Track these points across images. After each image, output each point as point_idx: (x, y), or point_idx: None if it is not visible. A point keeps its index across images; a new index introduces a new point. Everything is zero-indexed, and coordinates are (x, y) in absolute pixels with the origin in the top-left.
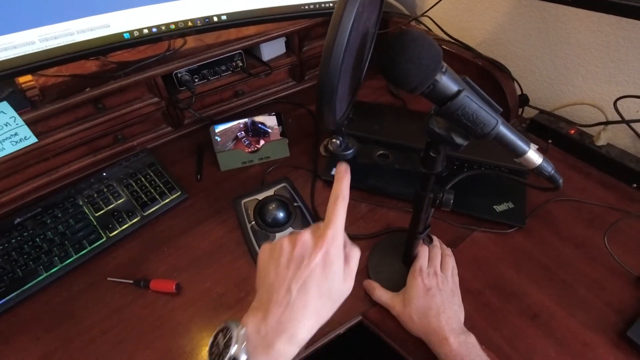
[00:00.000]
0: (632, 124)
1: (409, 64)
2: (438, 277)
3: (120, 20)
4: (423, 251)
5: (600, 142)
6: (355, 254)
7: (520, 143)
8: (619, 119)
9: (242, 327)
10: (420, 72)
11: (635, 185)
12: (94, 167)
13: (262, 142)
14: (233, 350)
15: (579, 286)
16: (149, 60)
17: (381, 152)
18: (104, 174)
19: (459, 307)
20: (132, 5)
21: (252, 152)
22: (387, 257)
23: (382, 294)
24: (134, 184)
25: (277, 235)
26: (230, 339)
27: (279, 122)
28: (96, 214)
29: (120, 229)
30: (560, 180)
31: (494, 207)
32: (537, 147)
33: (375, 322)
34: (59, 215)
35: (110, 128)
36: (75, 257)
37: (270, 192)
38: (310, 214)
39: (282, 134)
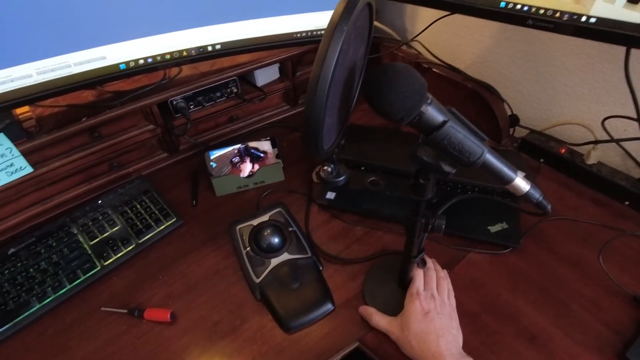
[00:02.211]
0: (621, 143)
1: (395, 97)
2: (436, 300)
3: (117, 52)
4: (418, 274)
5: (591, 160)
6: None
7: (507, 170)
8: (608, 138)
9: None
10: (406, 104)
11: (627, 202)
12: (89, 194)
13: (257, 166)
14: None
15: (576, 306)
16: (145, 89)
17: (372, 178)
18: (99, 201)
19: (457, 330)
20: (128, 38)
21: (247, 176)
22: (382, 280)
23: (379, 319)
24: (129, 211)
25: (273, 261)
26: None
27: (274, 146)
28: (91, 243)
29: (115, 257)
30: (549, 207)
31: (488, 227)
32: (524, 174)
33: (372, 348)
34: (53, 244)
35: (106, 155)
36: (69, 287)
37: (265, 217)
38: (305, 239)
39: (277, 158)
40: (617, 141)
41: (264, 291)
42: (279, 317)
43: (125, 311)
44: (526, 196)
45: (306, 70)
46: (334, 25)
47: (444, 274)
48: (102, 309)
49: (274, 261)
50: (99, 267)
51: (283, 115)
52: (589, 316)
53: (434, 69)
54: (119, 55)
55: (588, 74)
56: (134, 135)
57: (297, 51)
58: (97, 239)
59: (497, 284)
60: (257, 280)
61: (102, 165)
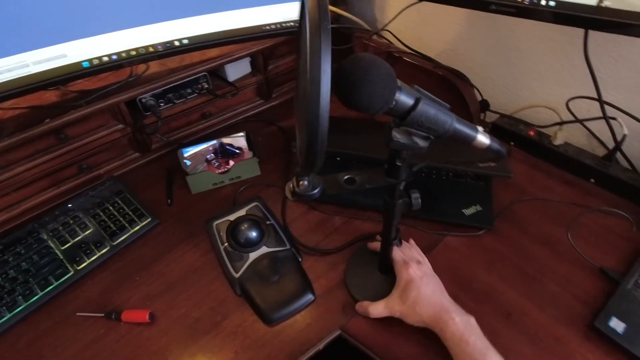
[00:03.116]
0: (585, 123)
1: (369, 92)
2: (423, 265)
3: (78, 50)
4: (395, 248)
5: (558, 141)
6: None
7: (470, 131)
8: (573, 118)
9: None
10: (382, 96)
11: (592, 180)
12: (58, 199)
13: (231, 162)
14: None
15: (548, 282)
16: (111, 87)
17: (346, 177)
18: (69, 205)
19: (444, 291)
20: (88, 35)
21: (222, 173)
22: (363, 267)
23: (376, 307)
24: (101, 213)
25: (251, 255)
26: None
27: (249, 141)
28: (62, 248)
29: (88, 261)
30: (504, 150)
31: (463, 211)
32: (483, 129)
33: (354, 335)
34: (22, 251)
35: (74, 158)
36: (40, 294)
37: (242, 212)
38: (283, 232)
39: (252, 153)
40: (581, 121)
41: (243, 285)
42: (260, 310)
43: (102, 315)
44: (489, 148)
45: (279, 63)
46: (317, 26)
47: (411, 243)
48: (78, 314)
49: (253, 255)
50: (72, 272)
51: (257, 110)
52: (561, 290)
53: (405, 58)
54: (81, 52)
55: (552, 57)
56: (102, 135)
57: (268, 44)
58: (69, 244)
59: (473, 265)
60: (237, 275)
61: (70, 168)
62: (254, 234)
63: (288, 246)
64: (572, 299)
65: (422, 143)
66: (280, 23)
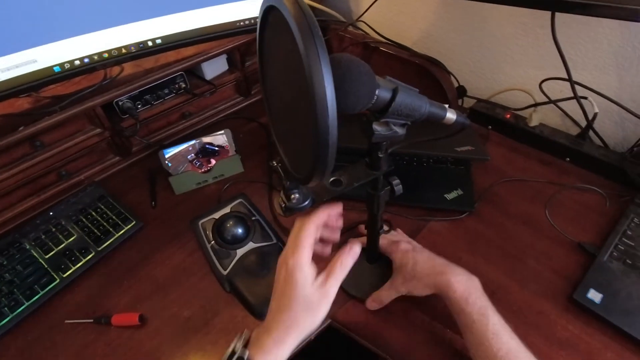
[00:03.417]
0: (559, 103)
1: (352, 94)
2: (412, 241)
3: (48, 54)
4: (381, 237)
5: (533, 122)
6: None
7: (440, 110)
8: (546, 100)
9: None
10: (366, 94)
11: (568, 159)
12: (39, 207)
13: (213, 161)
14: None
15: (529, 259)
16: (86, 91)
17: (332, 179)
18: (51, 213)
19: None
20: (58, 38)
21: (205, 172)
22: (353, 266)
23: (385, 293)
24: (84, 219)
25: (238, 251)
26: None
27: (230, 139)
28: (46, 256)
29: (74, 268)
30: (467, 122)
31: (445, 195)
32: (447, 105)
33: (344, 324)
34: (4, 262)
35: (53, 165)
36: (27, 304)
37: (226, 210)
38: (269, 226)
39: (235, 151)
40: (554, 102)
41: (232, 282)
42: (250, 305)
43: (91, 320)
44: (456, 122)
45: (256, 59)
46: (306, 26)
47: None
48: (67, 321)
49: (240, 251)
50: (57, 281)
51: (237, 107)
52: (541, 267)
53: (381, 48)
54: (52, 57)
55: (524, 40)
56: (80, 140)
57: (243, 40)
58: (53, 252)
59: (457, 247)
60: (225, 272)
61: (49, 175)
62: (239, 230)
63: (274, 240)
64: (552, 274)
65: (401, 131)
66: (254, 18)
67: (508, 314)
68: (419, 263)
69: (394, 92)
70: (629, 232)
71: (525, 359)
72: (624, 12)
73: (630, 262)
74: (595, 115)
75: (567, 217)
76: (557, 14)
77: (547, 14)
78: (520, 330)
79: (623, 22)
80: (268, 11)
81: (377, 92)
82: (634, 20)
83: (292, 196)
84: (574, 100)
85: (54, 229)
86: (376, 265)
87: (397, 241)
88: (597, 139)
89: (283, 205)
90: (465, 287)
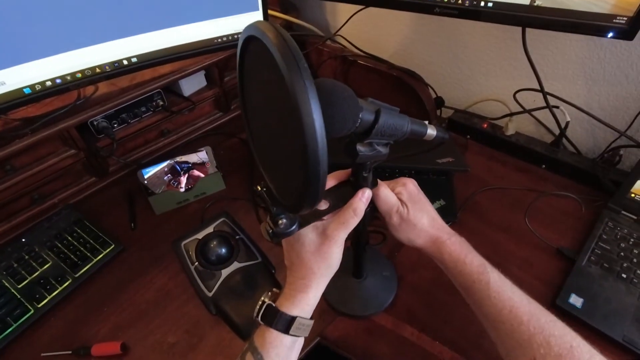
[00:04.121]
0: (533, 113)
1: (338, 116)
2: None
3: (17, 76)
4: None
5: (509, 131)
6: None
7: (421, 127)
8: (521, 109)
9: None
10: (351, 118)
11: (544, 166)
12: (10, 233)
13: (183, 180)
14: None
15: (512, 266)
16: (58, 112)
17: None
18: (23, 239)
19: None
20: (27, 60)
21: (186, 191)
22: (337, 277)
23: (389, 198)
24: (59, 245)
25: (223, 272)
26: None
27: (211, 156)
28: (19, 286)
29: (49, 297)
30: (447, 136)
31: None
32: (427, 121)
33: (333, 341)
34: None
35: (24, 189)
36: None
37: (209, 229)
38: (253, 245)
39: (216, 168)
40: (529, 111)
41: (218, 304)
42: (237, 326)
43: (70, 352)
44: (436, 138)
45: (234, 75)
46: (296, 68)
47: None
48: (43, 354)
49: (225, 272)
50: (32, 312)
51: (217, 123)
52: (523, 273)
53: (359, 61)
54: (21, 78)
55: (496, 53)
56: (53, 163)
57: (221, 56)
58: (26, 281)
59: None
60: (210, 294)
61: (21, 200)
62: (223, 250)
63: (259, 259)
64: (534, 280)
65: (384, 150)
66: (231, 35)
67: None
68: (426, 207)
69: (377, 113)
70: (604, 236)
71: (528, 314)
72: (588, 28)
73: (607, 265)
74: (567, 123)
75: (546, 223)
76: (527, 29)
77: (517, 28)
78: None
79: (588, 36)
80: (248, 40)
81: (360, 115)
82: (597, 35)
83: (280, 221)
84: (547, 110)
85: (26, 257)
86: (363, 279)
87: (397, 209)
88: (570, 146)
89: (270, 231)
90: (461, 248)
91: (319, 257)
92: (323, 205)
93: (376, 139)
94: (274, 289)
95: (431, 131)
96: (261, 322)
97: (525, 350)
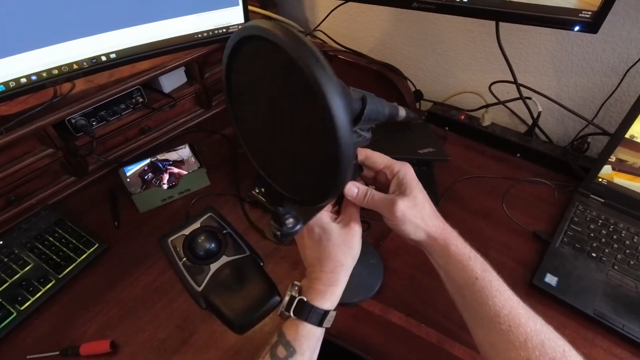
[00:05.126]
0: (507, 104)
1: None
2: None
3: None
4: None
5: (486, 122)
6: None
7: (395, 110)
8: (496, 101)
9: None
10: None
11: (518, 154)
12: None
13: (165, 176)
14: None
15: (492, 251)
16: (34, 110)
17: None
18: (1, 242)
19: None
20: (1, 56)
21: (170, 187)
22: None
23: (378, 199)
24: (40, 246)
25: (212, 266)
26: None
27: (194, 152)
28: None
29: (32, 299)
30: (415, 115)
31: None
32: (396, 103)
33: (333, 333)
34: None
35: (0, 190)
36: None
37: (196, 225)
38: (241, 238)
39: (199, 164)
40: (503, 103)
41: (208, 298)
42: (228, 319)
43: (57, 353)
44: (406, 117)
45: (215, 70)
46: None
47: None
48: (29, 357)
49: (213, 266)
50: (14, 314)
51: (198, 120)
52: (503, 257)
53: (339, 56)
54: None
55: (472, 46)
56: (30, 162)
57: (201, 51)
58: (7, 283)
59: None
60: (199, 289)
61: None
62: (212, 244)
63: (247, 252)
64: (512, 262)
65: (368, 135)
66: (211, 30)
67: None
68: (427, 201)
69: (363, 101)
70: (576, 219)
71: (525, 316)
72: (556, 22)
73: (578, 246)
74: (539, 113)
75: (522, 208)
76: (500, 22)
77: (491, 22)
78: None
79: (557, 30)
80: (242, 42)
81: (352, 103)
82: (565, 29)
83: (287, 221)
84: (521, 101)
85: (5, 259)
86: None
87: (401, 206)
88: (543, 135)
89: (278, 233)
90: (464, 243)
91: (346, 248)
92: None
93: (364, 124)
94: (297, 283)
95: (402, 112)
96: (294, 316)
97: (519, 351)
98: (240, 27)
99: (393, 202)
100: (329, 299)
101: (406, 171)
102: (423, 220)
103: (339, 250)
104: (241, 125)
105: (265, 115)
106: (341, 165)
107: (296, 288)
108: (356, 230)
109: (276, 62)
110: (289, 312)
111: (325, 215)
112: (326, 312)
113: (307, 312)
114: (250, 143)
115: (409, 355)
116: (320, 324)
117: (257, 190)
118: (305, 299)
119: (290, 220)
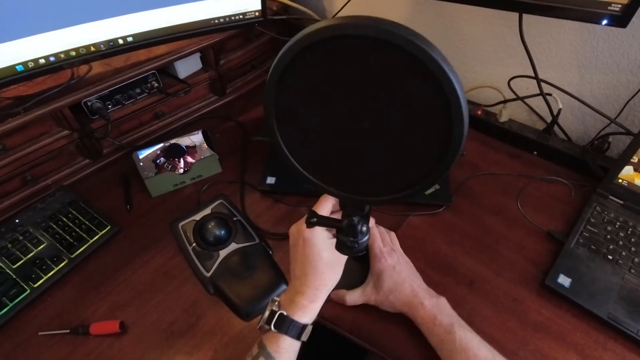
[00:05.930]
0: (526, 100)
1: None
2: (397, 253)
3: (10, 52)
4: (373, 234)
5: (503, 118)
6: None
7: None
8: (514, 96)
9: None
10: None
11: (535, 152)
12: (3, 214)
13: (182, 162)
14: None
15: (503, 249)
16: (51, 91)
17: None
18: (17, 220)
19: (417, 274)
20: (22, 35)
21: (182, 173)
22: None
23: (352, 296)
24: (54, 225)
25: (221, 252)
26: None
27: (206, 139)
28: (14, 266)
29: (45, 277)
30: None
31: None
32: None
33: (331, 319)
34: None
35: (16, 170)
36: None
37: (207, 211)
38: (251, 226)
39: (212, 151)
40: (522, 99)
41: (216, 284)
42: (235, 306)
43: (68, 331)
44: None
45: (230, 57)
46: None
47: (383, 229)
48: (40, 333)
49: (222, 253)
50: (28, 291)
51: (212, 106)
52: (515, 255)
53: None
54: (14, 55)
55: (492, 40)
56: (46, 143)
57: (217, 38)
58: (22, 261)
59: (436, 240)
60: (208, 275)
61: (13, 180)
62: (222, 231)
63: (257, 240)
64: (524, 261)
65: None
66: (229, 16)
67: (485, 302)
68: (393, 285)
69: None
70: (592, 220)
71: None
72: (583, 15)
73: (594, 247)
74: (559, 111)
75: (537, 207)
76: (524, 15)
77: (514, 15)
78: (498, 317)
79: (583, 23)
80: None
81: None
82: (592, 22)
83: (363, 229)
84: (540, 97)
85: (21, 237)
86: (358, 264)
87: (381, 253)
88: (562, 133)
89: (356, 245)
90: (433, 310)
91: (335, 270)
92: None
93: None
94: (276, 298)
95: None
96: (275, 330)
97: None
98: (312, 31)
99: (368, 298)
100: (308, 314)
101: (378, 265)
102: (384, 305)
103: (329, 270)
104: (289, 143)
105: (339, 122)
106: (462, 140)
107: (276, 303)
108: (345, 257)
109: (381, 59)
110: (269, 325)
111: (325, 233)
112: (304, 326)
113: (287, 326)
114: (303, 154)
115: (405, 338)
116: (298, 338)
117: (312, 220)
118: (285, 313)
119: (365, 227)
